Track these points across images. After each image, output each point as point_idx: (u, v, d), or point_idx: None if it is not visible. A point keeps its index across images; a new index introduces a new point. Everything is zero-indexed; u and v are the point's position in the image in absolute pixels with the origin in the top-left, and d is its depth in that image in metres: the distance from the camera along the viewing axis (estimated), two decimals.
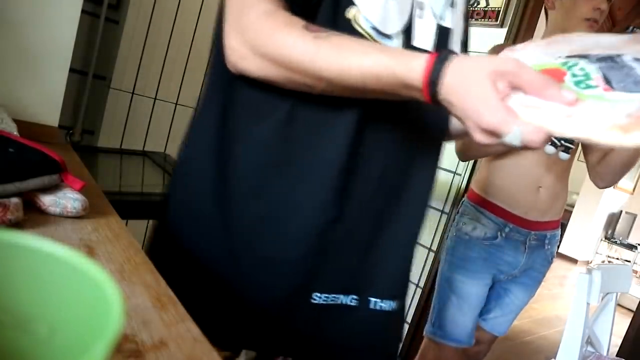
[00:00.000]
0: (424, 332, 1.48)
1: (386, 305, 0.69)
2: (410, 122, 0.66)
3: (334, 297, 0.65)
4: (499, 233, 1.35)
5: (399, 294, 0.71)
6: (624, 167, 1.29)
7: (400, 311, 0.72)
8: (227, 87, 0.63)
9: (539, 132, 0.43)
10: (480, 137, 0.46)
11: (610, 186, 1.39)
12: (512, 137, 0.44)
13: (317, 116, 0.60)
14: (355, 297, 0.67)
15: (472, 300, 1.39)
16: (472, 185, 1.48)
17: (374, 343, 0.70)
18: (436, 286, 1.47)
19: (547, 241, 1.40)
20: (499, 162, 1.37)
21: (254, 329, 0.63)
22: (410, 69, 0.48)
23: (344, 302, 0.66)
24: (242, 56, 0.56)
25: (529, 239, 1.36)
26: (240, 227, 0.63)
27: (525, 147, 0.45)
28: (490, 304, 1.46)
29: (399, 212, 0.68)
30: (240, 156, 0.62)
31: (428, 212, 0.76)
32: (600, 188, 1.41)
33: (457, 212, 1.47)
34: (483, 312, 1.46)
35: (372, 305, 0.68)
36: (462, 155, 1.36)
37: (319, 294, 0.64)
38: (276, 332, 0.64)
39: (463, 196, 2.63)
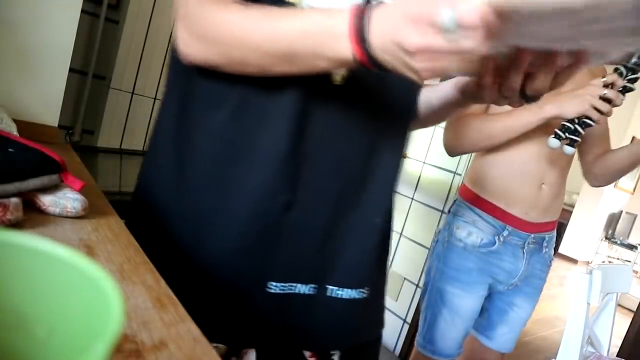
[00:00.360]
0: (415, 342, 1.39)
1: (345, 293, 0.68)
2: (366, 109, 0.65)
3: (291, 285, 0.65)
4: (496, 238, 1.23)
5: (363, 283, 0.70)
6: (620, 172, 1.26)
7: (372, 299, 0.71)
8: (183, 78, 0.65)
9: (476, 9, 0.38)
10: (412, 37, 0.41)
11: (604, 185, 1.34)
12: (447, 21, 0.38)
13: (264, 104, 0.61)
14: (313, 285, 0.66)
15: (465, 314, 1.28)
16: (466, 181, 1.33)
17: (337, 331, 0.69)
18: (426, 295, 1.35)
19: (545, 244, 1.30)
20: (497, 155, 1.24)
21: (215, 321, 0.62)
22: (336, 14, 0.48)
23: (301, 291, 0.65)
24: (185, 43, 0.59)
25: (528, 243, 1.25)
26: (196, 216, 0.64)
27: (470, 40, 0.39)
28: (493, 320, 1.34)
29: (359, 199, 0.67)
30: (196, 146, 0.64)
31: (394, 200, 0.75)
32: (593, 187, 1.36)
33: (449, 212, 1.34)
34: (486, 328, 1.35)
35: (329, 293, 0.67)
36: (450, 147, 1.22)
37: (274, 283, 0.64)
38: (237, 323, 0.64)
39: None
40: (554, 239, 1.34)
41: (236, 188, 0.63)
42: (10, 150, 0.59)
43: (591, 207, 6.59)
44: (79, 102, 1.70)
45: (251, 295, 0.63)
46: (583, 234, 6.68)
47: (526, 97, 0.52)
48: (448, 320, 1.28)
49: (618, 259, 6.39)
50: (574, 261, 6.67)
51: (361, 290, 0.70)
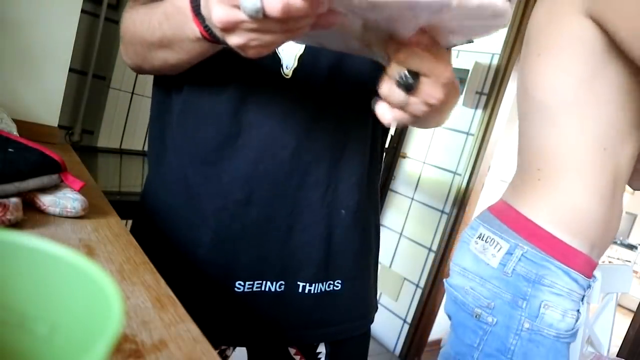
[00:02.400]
0: None
1: (315, 288, 0.68)
2: (320, 101, 0.64)
3: (259, 283, 0.65)
4: (580, 304, 0.79)
5: (334, 276, 0.70)
6: None
7: (348, 292, 0.71)
8: (154, 89, 0.73)
9: None
10: (217, 12, 0.40)
11: None
12: (248, 3, 0.36)
13: (205, 105, 0.63)
14: (282, 282, 0.66)
15: None
16: (534, 214, 0.79)
17: (310, 326, 0.69)
18: None
19: None
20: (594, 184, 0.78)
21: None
22: None
23: (271, 289, 0.66)
24: (122, 52, 0.66)
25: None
26: (165, 216, 0.67)
27: (282, 28, 0.38)
28: None
29: (321, 194, 0.66)
30: (168, 147, 0.68)
31: (372, 191, 0.74)
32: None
33: (511, 272, 0.78)
34: None
35: (300, 290, 0.67)
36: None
37: (241, 282, 0.64)
38: (209, 323, 0.64)
39: (463, 201, 2.56)
40: None
41: (197, 187, 0.64)
42: (10, 150, 0.59)
43: None
44: (79, 102, 1.70)
45: (219, 294, 0.64)
46: None
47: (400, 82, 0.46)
48: None
49: (618, 259, 6.39)
50: None
51: (331, 283, 0.70)
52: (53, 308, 0.23)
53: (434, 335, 2.45)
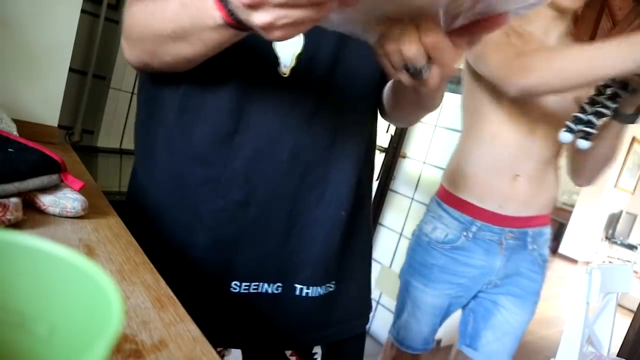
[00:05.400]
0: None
1: (312, 291, 0.67)
2: (318, 100, 0.64)
3: (255, 285, 0.64)
4: (462, 234, 1.18)
5: (329, 278, 0.69)
6: (599, 167, 1.17)
7: (342, 293, 0.71)
8: (143, 85, 0.70)
9: None
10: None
11: (589, 184, 1.25)
12: None
13: (202, 101, 0.62)
14: (279, 284, 0.65)
15: (427, 309, 1.24)
16: (442, 180, 1.29)
17: (305, 328, 0.69)
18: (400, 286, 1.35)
19: (529, 239, 1.19)
20: (469, 147, 1.20)
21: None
22: None
23: (268, 290, 0.65)
24: (125, 50, 0.62)
25: (505, 238, 1.16)
26: (155, 214, 0.65)
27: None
28: (478, 325, 1.26)
29: (320, 194, 0.66)
30: (158, 144, 0.66)
31: (368, 191, 0.74)
32: (580, 186, 1.28)
33: (426, 209, 1.32)
34: (471, 338, 1.27)
35: (297, 292, 0.66)
36: (506, 81, 0.99)
37: (237, 283, 0.63)
38: (204, 324, 0.64)
39: None
40: (546, 237, 1.24)
41: (193, 187, 0.63)
42: (10, 150, 0.59)
43: (591, 207, 6.59)
44: (79, 102, 1.70)
45: (215, 295, 0.63)
46: (583, 234, 6.67)
47: (410, 70, 0.46)
48: (410, 313, 1.27)
49: (618, 259, 6.39)
50: (574, 261, 6.66)
51: (327, 285, 0.69)
52: (53, 308, 0.23)
53: None
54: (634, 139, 6.44)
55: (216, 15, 0.46)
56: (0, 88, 0.94)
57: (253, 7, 0.39)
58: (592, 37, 1.96)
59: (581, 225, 6.68)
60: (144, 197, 0.68)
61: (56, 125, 1.04)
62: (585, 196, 6.65)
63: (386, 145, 2.49)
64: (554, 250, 6.90)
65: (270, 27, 0.40)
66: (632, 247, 6.39)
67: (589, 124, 0.98)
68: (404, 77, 0.46)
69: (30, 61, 0.98)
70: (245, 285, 0.64)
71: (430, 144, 2.48)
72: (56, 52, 1.00)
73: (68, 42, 1.01)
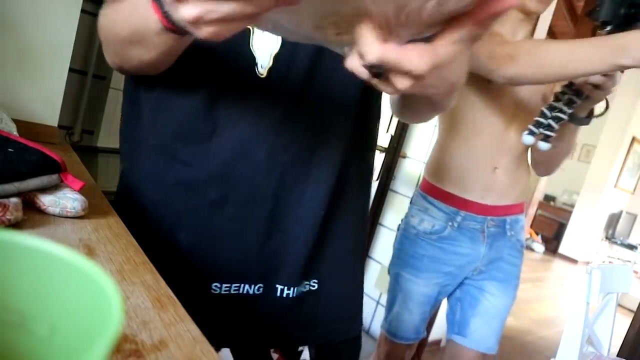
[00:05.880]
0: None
1: (293, 291, 0.67)
2: (296, 101, 0.63)
3: (237, 286, 0.64)
4: (448, 224, 1.25)
5: (311, 276, 0.69)
6: (560, 157, 1.26)
7: (326, 293, 0.70)
8: (126, 86, 0.70)
9: None
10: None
11: (549, 174, 1.37)
12: None
13: (175, 103, 0.62)
14: (261, 285, 0.65)
15: (418, 300, 1.30)
16: (424, 173, 1.36)
17: (290, 326, 0.68)
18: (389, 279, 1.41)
19: (507, 226, 1.28)
20: (450, 142, 1.28)
21: None
22: None
23: (249, 291, 0.64)
24: (104, 52, 0.61)
25: (487, 226, 1.26)
26: (141, 214, 0.65)
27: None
28: (466, 313, 1.33)
29: (299, 194, 0.65)
30: (140, 144, 0.66)
31: (366, 190, 0.73)
32: (540, 176, 1.40)
33: (410, 202, 1.38)
34: (461, 326, 1.33)
35: (278, 293, 0.66)
36: (509, 73, 1.03)
37: (218, 284, 0.63)
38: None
39: None
40: (522, 224, 1.34)
41: (171, 187, 0.63)
42: (10, 150, 0.59)
43: (591, 207, 6.59)
44: (79, 102, 1.70)
45: (196, 295, 0.62)
46: (583, 234, 6.67)
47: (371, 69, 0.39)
48: (402, 304, 1.32)
49: (618, 259, 6.39)
50: (574, 261, 6.66)
51: (308, 283, 0.69)
52: (53, 308, 0.23)
53: (433, 335, 2.45)
54: (634, 139, 6.44)
55: (156, 18, 0.44)
56: (0, 88, 0.94)
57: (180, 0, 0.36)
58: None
59: (581, 225, 6.68)
60: (130, 196, 0.68)
61: (56, 125, 1.04)
62: (585, 196, 6.65)
63: (386, 145, 2.49)
64: (554, 250, 6.90)
65: (198, 21, 0.37)
66: (632, 247, 6.40)
67: (548, 127, 1.09)
68: (367, 77, 0.40)
69: (31, 61, 0.98)
70: (226, 287, 0.64)
71: (430, 144, 2.47)
72: (56, 52, 1.00)
73: (68, 42, 1.01)
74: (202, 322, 0.63)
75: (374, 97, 0.72)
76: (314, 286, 0.69)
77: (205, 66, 0.60)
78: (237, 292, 0.64)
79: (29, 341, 0.23)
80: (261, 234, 0.64)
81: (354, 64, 0.39)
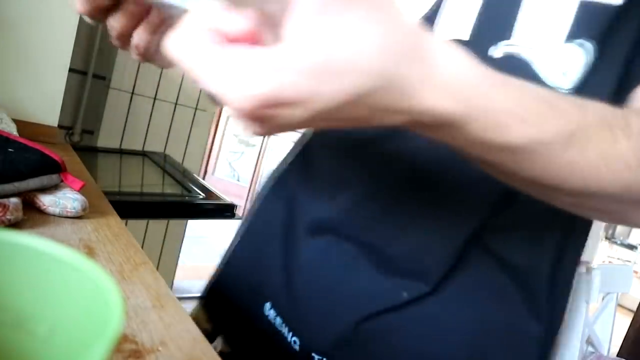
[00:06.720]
0: None
1: None
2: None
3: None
4: None
5: None
6: None
7: None
8: None
9: None
10: None
11: None
12: None
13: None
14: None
15: None
16: None
17: None
18: None
19: None
20: None
21: None
22: None
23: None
24: None
25: None
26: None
27: None
28: None
29: None
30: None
31: None
32: None
33: None
34: None
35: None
36: None
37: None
38: None
39: None
40: None
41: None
42: (10, 150, 0.59)
43: None
44: (79, 102, 1.70)
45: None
46: None
47: None
48: None
49: (618, 259, 6.39)
50: None
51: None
52: (53, 308, 0.23)
53: None
54: None
55: None
56: (1, 88, 0.94)
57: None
58: None
59: None
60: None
61: (56, 125, 1.03)
62: None
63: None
64: None
65: None
66: (632, 247, 6.39)
67: None
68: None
69: (30, 61, 0.98)
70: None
71: None
72: (56, 52, 1.00)
73: (68, 42, 1.01)
74: None
75: None
76: None
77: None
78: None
79: (29, 341, 0.23)
80: None
81: None
